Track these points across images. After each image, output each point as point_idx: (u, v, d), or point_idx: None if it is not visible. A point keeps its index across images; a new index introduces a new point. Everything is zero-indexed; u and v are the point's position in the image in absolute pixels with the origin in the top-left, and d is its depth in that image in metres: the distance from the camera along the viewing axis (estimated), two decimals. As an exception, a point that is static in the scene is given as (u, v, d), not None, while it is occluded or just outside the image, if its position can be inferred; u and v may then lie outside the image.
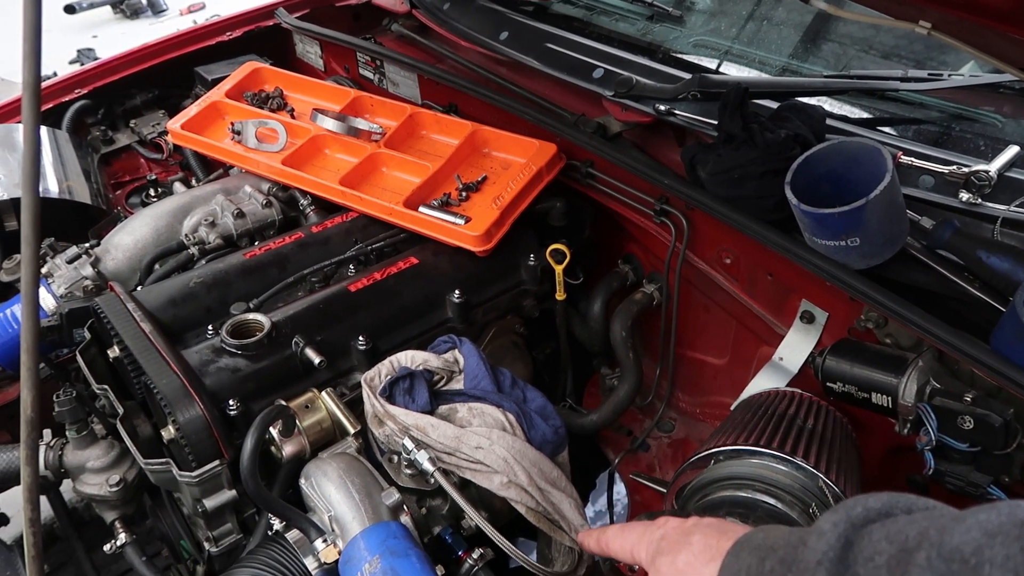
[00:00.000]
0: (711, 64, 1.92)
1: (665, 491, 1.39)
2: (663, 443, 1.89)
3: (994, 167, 1.33)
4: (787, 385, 1.52)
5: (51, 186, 2.12)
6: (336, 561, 1.16)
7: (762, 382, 1.54)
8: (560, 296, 1.75)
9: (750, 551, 0.68)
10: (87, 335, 1.57)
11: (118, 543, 1.46)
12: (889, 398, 1.28)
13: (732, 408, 1.52)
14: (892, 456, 1.47)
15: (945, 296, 1.29)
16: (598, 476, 1.99)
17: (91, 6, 7.12)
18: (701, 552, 0.75)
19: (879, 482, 1.49)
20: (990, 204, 1.32)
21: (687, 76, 1.65)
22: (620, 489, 1.87)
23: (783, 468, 1.21)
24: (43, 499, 1.72)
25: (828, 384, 1.37)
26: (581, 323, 1.87)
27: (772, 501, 1.18)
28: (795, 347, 1.52)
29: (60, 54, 6.38)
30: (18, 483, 0.94)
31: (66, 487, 1.67)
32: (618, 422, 1.88)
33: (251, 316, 1.48)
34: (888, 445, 1.45)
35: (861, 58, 1.90)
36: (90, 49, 6.60)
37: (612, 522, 1.90)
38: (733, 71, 1.88)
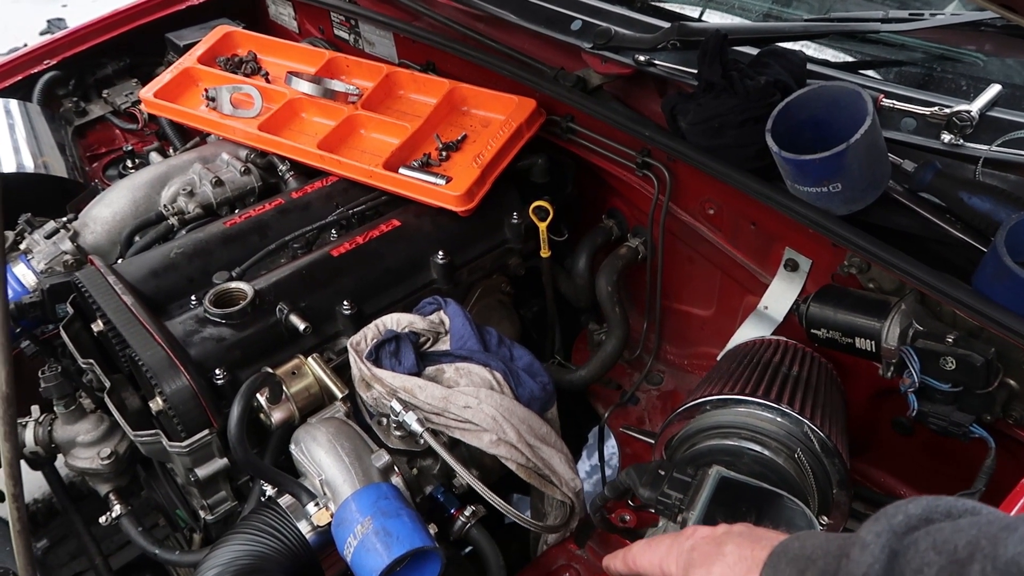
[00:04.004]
0: (693, 13, 1.88)
1: (654, 443, 1.41)
2: (652, 396, 1.91)
3: (976, 107, 1.32)
4: (772, 333, 1.52)
5: (26, 161, 2.08)
6: (329, 524, 1.17)
7: (748, 331, 1.55)
8: (545, 253, 1.74)
9: (788, 562, 0.67)
10: (70, 310, 1.56)
11: (114, 515, 1.47)
12: (872, 342, 1.29)
13: (718, 358, 1.53)
14: (877, 400, 1.48)
15: (927, 239, 1.29)
16: (589, 431, 2.01)
17: (59, -25, 6.91)
18: (736, 563, 0.73)
19: (865, 426, 1.51)
20: (972, 144, 1.31)
21: (667, 25, 1.62)
22: (611, 443, 1.89)
23: (768, 415, 1.22)
24: (40, 474, 1.72)
25: (812, 331, 1.37)
26: (567, 280, 1.87)
27: (758, 448, 1.20)
28: (780, 295, 1.52)
29: (30, 25, 6.23)
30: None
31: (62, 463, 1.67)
32: (607, 376, 1.89)
33: (234, 285, 1.47)
34: (873, 389, 1.46)
35: (845, 2, 1.87)
36: (60, 19, 6.43)
37: (603, 475, 1.92)
38: (715, 19, 1.85)
